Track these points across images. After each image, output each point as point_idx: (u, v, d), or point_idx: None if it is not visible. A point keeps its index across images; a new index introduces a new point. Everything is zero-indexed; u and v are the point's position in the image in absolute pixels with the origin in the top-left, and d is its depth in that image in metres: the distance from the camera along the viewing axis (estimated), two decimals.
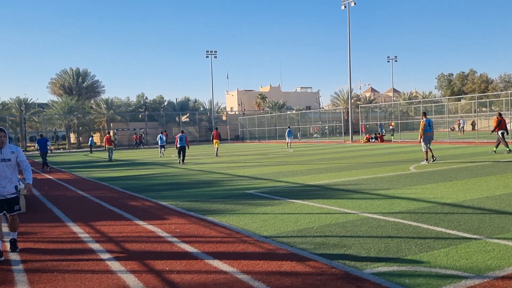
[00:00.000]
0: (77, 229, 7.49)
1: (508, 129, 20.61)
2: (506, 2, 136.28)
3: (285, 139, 36.29)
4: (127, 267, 5.22)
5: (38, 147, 21.48)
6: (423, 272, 4.57)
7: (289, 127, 37.01)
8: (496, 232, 5.95)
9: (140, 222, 7.80)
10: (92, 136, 48.86)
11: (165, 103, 71.17)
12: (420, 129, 16.48)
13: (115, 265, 5.32)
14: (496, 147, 19.82)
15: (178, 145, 21.88)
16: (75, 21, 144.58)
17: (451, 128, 47.09)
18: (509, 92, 40.86)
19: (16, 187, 6.11)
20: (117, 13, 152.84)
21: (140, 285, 4.60)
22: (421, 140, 16.36)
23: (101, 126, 62.69)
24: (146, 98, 71.27)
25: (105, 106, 62.72)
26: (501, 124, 19.68)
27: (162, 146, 29.97)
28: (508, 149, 19.40)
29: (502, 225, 6.36)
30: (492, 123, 38.48)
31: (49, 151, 22.76)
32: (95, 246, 6.32)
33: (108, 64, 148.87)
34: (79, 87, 66.31)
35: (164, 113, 64.91)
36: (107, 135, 28.82)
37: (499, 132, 19.65)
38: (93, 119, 61.71)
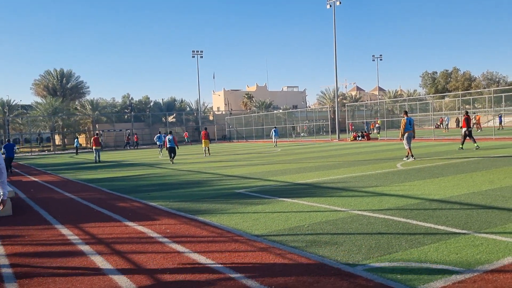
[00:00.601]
0: (66, 231, 7.41)
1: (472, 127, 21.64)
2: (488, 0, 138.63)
3: (272, 138, 36.82)
4: (118, 268, 5.17)
5: (5, 152, 20.85)
6: (414, 267, 4.62)
7: (275, 127, 37.58)
8: (484, 227, 6.06)
9: (130, 223, 7.74)
10: (78, 138, 48.28)
11: (151, 104, 70.70)
12: (401, 127, 16.85)
13: (106, 267, 5.28)
14: (475, 142, 20.42)
15: (168, 146, 22.32)
16: (58, 21, 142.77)
17: (435, 126, 47.68)
18: (492, 89, 41.53)
19: None
20: (101, 14, 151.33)
21: (132, 285, 4.57)
22: (403, 137, 16.68)
23: (86, 128, 61.99)
24: (132, 98, 70.70)
25: (90, 107, 62.05)
26: (468, 122, 20.50)
27: (160, 146, 30.67)
28: (461, 146, 20.40)
29: (489, 220, 6.47)
30: (474, 120, 39.24)
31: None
32: (85, 248, 6.25)
33: (93, 65, 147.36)
34: (63, 88, 65.43)
35: (150, 114, 64.50)
36: (95, 136, 28.44)
37: (463, 130, 20.52)
38: (78, 120, 60.99)
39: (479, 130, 40.18)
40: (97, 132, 34.18)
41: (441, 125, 51.84)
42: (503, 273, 4.31)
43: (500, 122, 44.52)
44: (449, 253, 5.02)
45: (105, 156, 35.00)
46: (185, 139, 55.77)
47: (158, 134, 31.77)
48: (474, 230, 5.92)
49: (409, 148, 16.55)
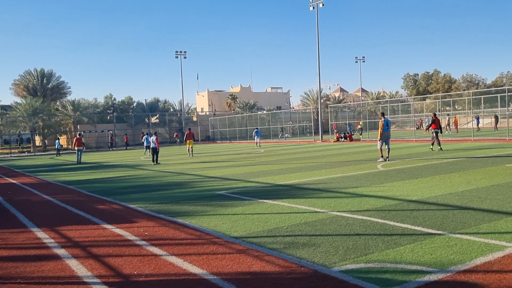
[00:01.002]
0: (42, 235, 7.28)
1: (442, 127, 22.51)
2: (468, 3, 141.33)
3: (254, 139, 37.94)
4: (94, 272, 5.10)
5: None
6: (389, 268, 4.67)
7: (257, 128, 39.11)
8: (459, 228, 6.16)
9: (108, 226, 7.65)
10: (59, 139, 47.46)
11: (134, 104, 70.04)
12: (379, 128, 17.26)
13: (81, 271, 5.20)
14: (432, 145, 21.31)
15: (151, 147, 23.02)
16: (39, 20, 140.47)
17: (416, 127, 48.34)
18: (471, 91, 42.39)
19: None
20: (83, 13, 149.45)
21: None
22: (379, 139, 17.17)
23: (67, 128, 61.08)
24: (114, 99, 69.91)
25: (71, 107, 61.16)
26: (435, 123, 21.19)
27: (148, 147, 30.96)
28: (439, 147, 20.87)
29: (464, 220, 6.58)
30: (450, 122, 40.18)
31: None
32: (61, 251, 6.15)
33: (74, 65, 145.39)
34: (43, 88, 64.33)
35: (133, 114, 63.88)
36: (77, 136, 27.91)
37: (433, 131, 21.19)
38: (59, 121, 60.03)
39: (454, 132, 40.97)
40: (79, 132, 34.23)
41: (421, 126, 52.58)
42: (474, 273, 4.38)
43: (478, 124, 45.37)
44: (424, 253, 5.09)
45: (86, 157, 34.54)
46: (177, 139, 55.58)
47: (146, 135, 32.27)
48: (449, 231, 6.01)
49: (380, 148, 17.10)
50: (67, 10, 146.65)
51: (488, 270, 4.44)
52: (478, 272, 4.40)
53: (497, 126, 43.88)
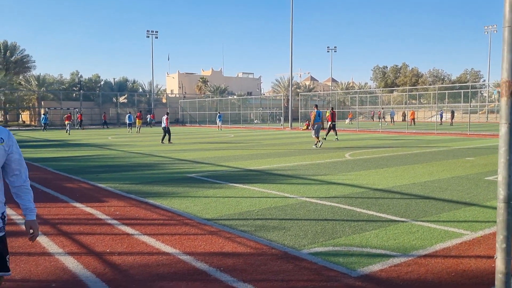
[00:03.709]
0: (9, 211, 7.14)
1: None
2: (438, 1, 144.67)
3: (217, 123, 43.00)
4: (65, 249, 5.11)
5: None
6: (355, 251, 4.91)
7: (219, 113, 43.97)
8: (421, 215, 6.49)
9: (78, 204, 7.59)
10: (46, 113, 45.18)
11: (102, 83, 68.28)
12: (312, 119, 18.85)
13: (52, 247, 5.19)
14: (336, 135, 23.91)
15: (162, 126, 25.12)
16: None
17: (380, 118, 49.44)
18: (437, 86, 43.67)
19: (3, 215, 2.77)
20: None
21: (80, 266, 4.54)
22: (312, 128, 18.74)
23: (30, 104, 59.02)
24: (81, 76, 67.94)
25: (36, 82, 58.98)
26: (333, 117, 23.84)
27: (130, 125, 36.53)
28: (324, 138, 23.20)
29: (426, 209, 6.93)
30: (413, 115, 41.76)
31: None
32: None
33: (40, 39, 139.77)
34: (6, 61, 61.73)
35: (100, 93, 62.33)
36: (68, 114, 37.54)
37: (330, 123, 23.74)
38: (22, 96, 57.89)
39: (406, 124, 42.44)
40: (70, 112, 41.53)
41: (372, 118, 53.53)
42: (434, 257, 4.67)
43: (441, 118, 46.91)
44: (388, 239, 5.36)
45: (52, 134, 33.63)
46: (151, 120, 54.17)
47: (128, 114, 38.20)
48: (412, 218, 6.32)
49: (317, 136, 18.49)
50: None
51: (447, 255, 4.75)
52: (438, 256, 4.70)
53: (453, 121, 45.37)
